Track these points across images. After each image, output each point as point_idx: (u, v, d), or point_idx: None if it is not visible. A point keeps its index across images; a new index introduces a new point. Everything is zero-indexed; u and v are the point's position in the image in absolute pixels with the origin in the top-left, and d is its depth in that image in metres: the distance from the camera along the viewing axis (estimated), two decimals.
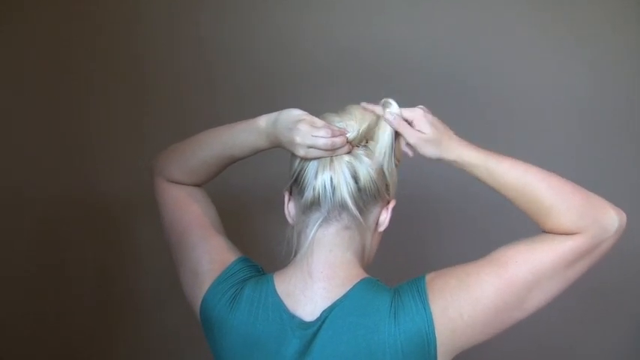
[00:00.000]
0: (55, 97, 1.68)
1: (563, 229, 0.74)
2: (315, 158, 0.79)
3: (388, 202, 0.83)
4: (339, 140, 0.77)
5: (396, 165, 0.83)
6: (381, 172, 0.80)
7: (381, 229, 0.84)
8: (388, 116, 0.80)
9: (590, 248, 0.73)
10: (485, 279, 0.73)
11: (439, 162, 0.81)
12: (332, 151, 0.78)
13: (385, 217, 0.83)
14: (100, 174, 1.71)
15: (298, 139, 0.77)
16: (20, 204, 1.69)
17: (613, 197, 1.69)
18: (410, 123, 0.80)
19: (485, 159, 0.77)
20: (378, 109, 0.81)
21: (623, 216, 0.75)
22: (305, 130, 0.77)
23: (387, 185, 0.81)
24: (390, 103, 0.81)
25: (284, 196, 0.84)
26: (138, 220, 1.73)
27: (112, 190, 1.72)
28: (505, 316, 0.73)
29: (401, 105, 0.81)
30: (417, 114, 0.80)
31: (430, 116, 0.80)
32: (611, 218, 0.74)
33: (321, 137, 0.76)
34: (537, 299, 0.74)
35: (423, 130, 0.79)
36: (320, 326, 0.75)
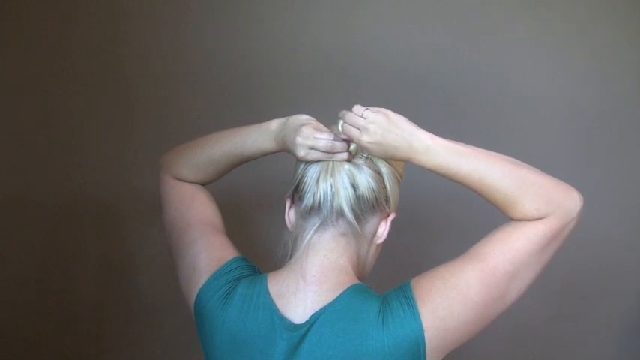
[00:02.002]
0: (43, 99, 1.66)
1: (531, 216, 0.76)
2: (314, 160, 0.81)
3: (388, 215, 0.84)
4: (339, 144, 0.79)
5: (398, 180, 0.85)
6: (381, 182, 0.82)
7: (379, 241, 0.85)
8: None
9: (559, 231, 0.77)
10: (469, 275, 0.74)
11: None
12: (331, 155, 0.80)
13: (384, 229, 0.84)
14: (92, 178, 1.71)
15: (300, 139, 0.80)
16: (15, 208, 1.69)
17: (614, 197, 1.70)
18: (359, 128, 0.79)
19: (443, 167, 0.77)
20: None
21: (582, 198, 0.78)
22: (307, 132, 0.80)
23: (387, 197, 0.83)
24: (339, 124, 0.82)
25: (285, 203, 0.86)
26: (132, 224, 1.72)
27: (104, 194, 1.71)
28: (491, 309, 0.75)
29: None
30: (358, 138, 0.78)
31: (373, 136, 0.78)
32: (574, 200, 0.77)
33: (322, 139, 0.78)
34: (517, 288, 0.77)
35: (367, 152, 0.80)
36: (308, 329, 0.76)
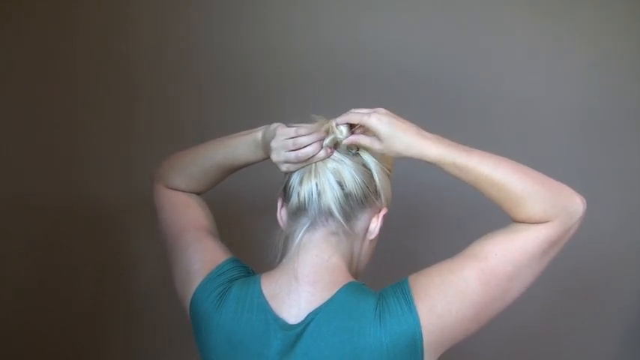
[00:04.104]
0: (44, 104, 1.67)
1: (536, 218, 0.75)
2: (297, 169, 0.81)
3: (380, 210, 0.84)
4: (310, 149, 0.79)
5: (388, 175, 0.84)
6: (368, 176, 0.81)
7: (372, 237, 0.84)
8: (348, 141, 0.81)
9: (562, 235, 0.76)
10: (468, 273, 0.74)
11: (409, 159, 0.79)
12: (306, 161, 0.80)
13: (375, 225, 0.83)
14: (92, 180, 1.72)
15: (274, 156, 0.81)
16: (16, 209, 1.69)
17: (614, 197, 1.71)
18: (365, 127, 0.80)
19: (453, 155, 0.76)
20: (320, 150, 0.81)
21: (584, 202, 0.77)
22: (276, 146, 0.80)
23: (376, 191, 0.82)
24: (334, 137, 0.81)
25: (277, 203, 0.86)
26: (131, 225, 1.73)
27: (104, 196, 1.72)
28: (490, 308, 0.75)
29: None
30: (366, 121, 0.79)
31: (382, 119, 0.78)
32: (577, 204, 0.76)
33: (290, 154, 0.79)
34: (517, 289, 0.76)
35: (378, 135, 0.78)
36: (304, 329, 0.76)
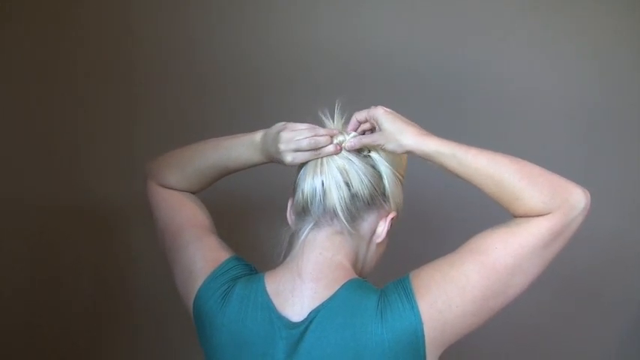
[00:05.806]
0: (45, 104, 1.67)
1: (536, 210, 0.74)
2: (303, 161, 0.81)
3: (388, 214, 0.83)
4: (322, 139, 0.79)
5: (399, 180, 0.84)
6: (377, 177, 0.81)
7: (379, 240, 0.83)
8: (349, 144, 0.81)
9: (564, 227, 0.74)
10: (469, 268, 0.73)
11: (410, 154, 0.80)
12: (317, 151, 0.80)
13: (382, 228, 0.83)
14: (93, 180, 1.71)
15: (282, 146, 0.80)
16: (12, 211, 1.69)
17: (615, 194, 1.70)
18: (370, 126, 0.82)
19: (452, 147, 0.76)
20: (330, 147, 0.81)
21: (588, 194, 0.75)
22: (287, 136, 0.80)
23: (384, 194, 0.82)
24: (344, 139, 0.81)
25: (288, 202, 0.86)
26: (132, 224, 1.73)
27: (105, 196, 1.71)
28: (492, 303, 0.74)
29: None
30: (373, 112, 0.80)
31: (387, 111, 0.80)
32: (578, 195, 0.74)
33: (303, 139, 0.79)
34: (520, 283, 0.75)
35: (380, 125, 0.79)
36: (307, 327, 0.75)
